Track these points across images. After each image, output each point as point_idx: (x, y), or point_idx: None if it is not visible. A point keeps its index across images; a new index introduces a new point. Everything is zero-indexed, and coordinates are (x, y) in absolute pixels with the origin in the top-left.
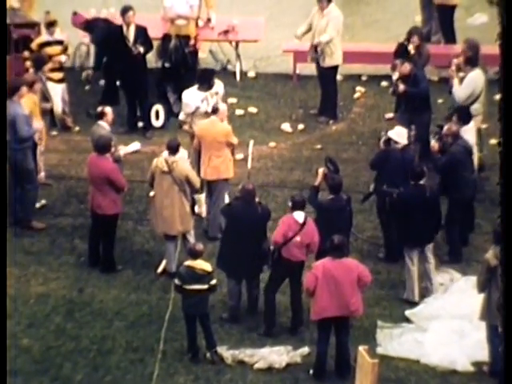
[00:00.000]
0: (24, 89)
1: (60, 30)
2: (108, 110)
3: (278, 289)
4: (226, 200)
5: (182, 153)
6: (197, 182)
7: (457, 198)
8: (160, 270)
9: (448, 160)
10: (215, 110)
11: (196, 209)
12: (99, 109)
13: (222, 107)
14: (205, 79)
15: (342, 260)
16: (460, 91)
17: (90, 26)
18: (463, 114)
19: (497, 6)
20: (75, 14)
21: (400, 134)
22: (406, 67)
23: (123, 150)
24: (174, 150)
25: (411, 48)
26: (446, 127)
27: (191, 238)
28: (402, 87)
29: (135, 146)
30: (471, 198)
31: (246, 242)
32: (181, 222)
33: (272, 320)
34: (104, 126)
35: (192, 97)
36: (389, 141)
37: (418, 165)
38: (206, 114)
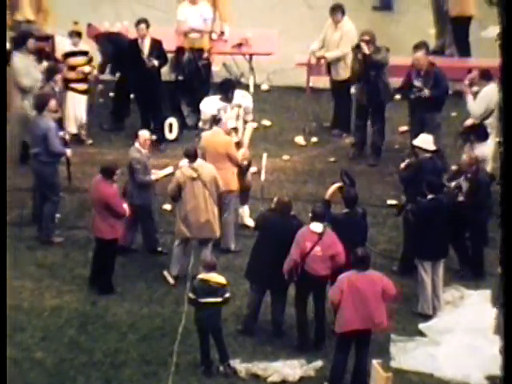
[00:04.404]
0: (53, 103)
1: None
2: (142, 133)
3: (304, 303)
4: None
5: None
6: (221, 183)
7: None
8: (172, 281)
9: (476, 190)
10: (218, 121)
11: (240, 220)
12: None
13: (222, 117)
14: (223, 89)
15: (366, 273)
16: (475, 106)
17: (101, 38)
18: (480, 132)
19: (497, 6)
20: (90, 25)
21: (426, 141)
22: (422, 57)
23: (156, 174)
24: (192, 156)
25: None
26: (465, 157)
27: (209, 247)
28: (426, 92)
29: (168, 170)
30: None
31: (278, 253)
32: (217, 226)
33: (303, 335)
34: (137, 148)
35: (209, 105)
36: (413, 150)
37: (436, 178)
38: (234, 130)
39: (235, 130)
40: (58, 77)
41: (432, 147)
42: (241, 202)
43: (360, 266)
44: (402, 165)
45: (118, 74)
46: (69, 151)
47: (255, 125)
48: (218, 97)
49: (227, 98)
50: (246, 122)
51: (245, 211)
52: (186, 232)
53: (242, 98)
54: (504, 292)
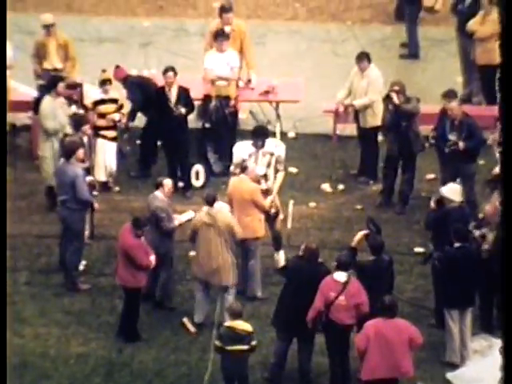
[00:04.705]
0: (81, 151)
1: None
2: (167, 182)
3: (336, 352)
4: None
5: (224, 207)
6: (239, 231)
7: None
8: (192, 328)
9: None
10: (244, 169)
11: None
12: (159, 179)
13: (251, 166)
14: (255, 135)
15: (393, 320)
16: None
17: (130, 83)
18: None
19: (497, 6)
20: (118, 67)
21: (453, 191)
22: (456, 107)
23: (178, 219)
24: (211, 202)
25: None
26: (488, 207)
27: (232, 293)
28: (461, 145)
29: (189, 214)
30: None
31: (305, 301)
32: (229, 273)
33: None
34: (159, 197)
35: (241, 149)
36: (440, 202)
37: (463, 226)
38: (263, 177)
39: (265, 177)
40: (86, 127)
41: (459, 198)
42: (275, 248)
43: (387, 314)
44: (432, 202)
45: (144, 120)
46: (96, 204)
47: (283, 174)
48: (250, 142)
49: (257, 144)
50: (277, 171)
51: (280, 257)
52: (199, 274)
53: (275, 147)
54: (503, 293)
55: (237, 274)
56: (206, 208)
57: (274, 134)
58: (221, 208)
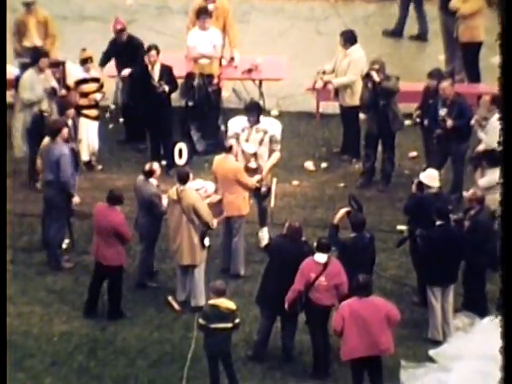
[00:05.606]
0: (65, 130)
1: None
2: (156, 166)
3: (317, 331)
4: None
5: (210, 186)
6: (205, 213)
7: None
8: (177, 306)
9: (474, 230)
10: (229, 149)
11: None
12: (147, 167)
13: (234, 145)
14: (247, 110)
15: (368, 299)
16: (487, 139)
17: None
18: (491, 157)
19: (497, 6)
20: (118, 18)
21: (431, 177)
22: (448, 86)
23: (164, 199)
24: (183, 179)
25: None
26: (470, 192)
27: (198, 274)
28: (449, 123)
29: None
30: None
31: (288, 279)
32: (189, 253)
33: (317, 361)
34: (153, 183)
35: (236, 122)
36: (421, 184)
37: (445, 204)
38: (253, 155)
39: (255, 155)
40: (70, 111)
41: (436, 184)
42: (260, 225)
43: (362, 292)
44: (413, 187)
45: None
46: (76, 198)
47: (278, 155)
48: (246, 117)
49: (249, 119)
50: (272, 151)
51: (264, 235)
52: (170, 251)
53: (271, 125)
54: (503, 293)
55: (202, 256)
56: (177, 185)
57: None
58: (189, 187)
